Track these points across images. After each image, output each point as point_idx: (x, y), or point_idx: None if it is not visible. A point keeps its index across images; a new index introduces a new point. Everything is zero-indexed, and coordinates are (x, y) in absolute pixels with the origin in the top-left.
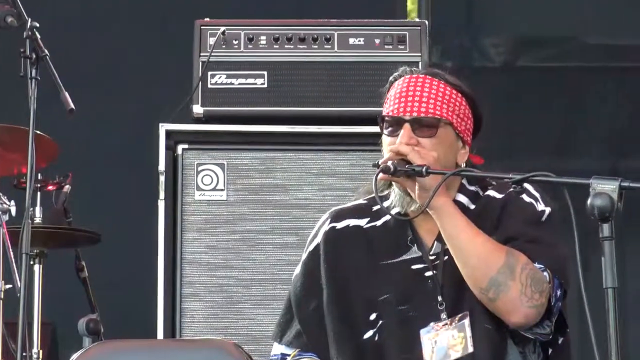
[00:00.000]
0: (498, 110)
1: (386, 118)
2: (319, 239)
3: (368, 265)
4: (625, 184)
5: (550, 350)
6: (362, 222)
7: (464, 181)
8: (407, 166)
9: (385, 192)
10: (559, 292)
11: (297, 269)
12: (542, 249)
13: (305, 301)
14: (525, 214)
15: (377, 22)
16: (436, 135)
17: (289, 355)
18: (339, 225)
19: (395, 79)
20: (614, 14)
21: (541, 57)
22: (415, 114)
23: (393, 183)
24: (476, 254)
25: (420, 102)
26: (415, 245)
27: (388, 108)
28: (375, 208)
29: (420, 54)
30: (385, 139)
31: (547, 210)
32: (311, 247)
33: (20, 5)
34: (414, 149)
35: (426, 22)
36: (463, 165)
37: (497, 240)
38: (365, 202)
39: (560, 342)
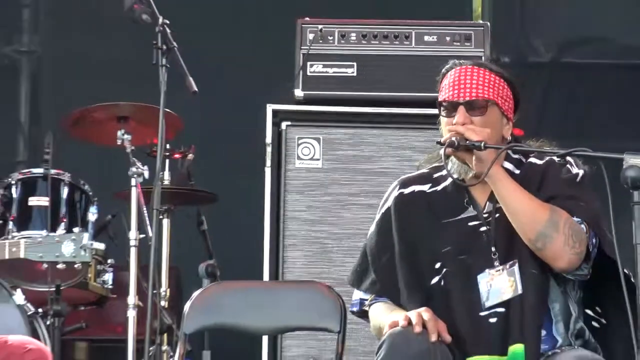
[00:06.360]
0: (548, 101)
1: (443, 103)
2: (389, 203)
3: (431, 224)
4: None
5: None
6: (425, 188)
7: (509, 150)
8: (467, 141)
9: (442, 163)
10: (594, 241)
11: (372, 228)
12: (579, 205)
13: (379, 255)
14: (563, 176)
15: (448, 23)
16: (486, 114)
17: (366, 299)
18: (406, 191)
19: (448, 71)
20: None
21: (583, 54)
22: (467, 98)
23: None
24: (525, 212)
25: (471, 88)
26: (471, 205)
27: (444, 95)
28: (435, 175)
29: (483, 50)
30: (443, 120)
31: (581, 172)
32: (383, 210)
33: (154, 5)
34: (469, 127)
35: (488, 23)
36: (509, 138)
37: (540, 199)
38: (427, 171)
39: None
